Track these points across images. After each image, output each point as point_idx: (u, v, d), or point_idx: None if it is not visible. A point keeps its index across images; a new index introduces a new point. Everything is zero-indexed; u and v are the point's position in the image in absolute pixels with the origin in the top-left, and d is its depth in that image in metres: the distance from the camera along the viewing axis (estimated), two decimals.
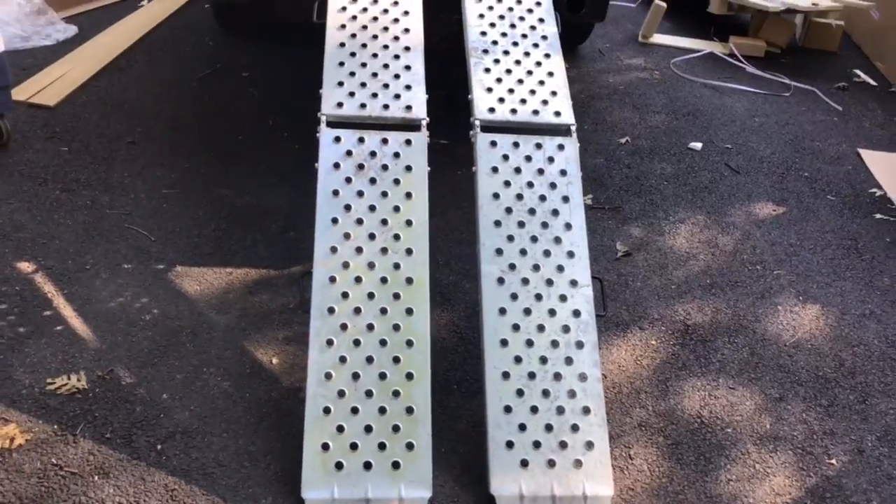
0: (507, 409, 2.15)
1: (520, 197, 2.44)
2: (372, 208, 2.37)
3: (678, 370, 2.66)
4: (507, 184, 2.45)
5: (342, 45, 2.68)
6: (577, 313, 2.30)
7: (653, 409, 2.49)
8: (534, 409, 2.16)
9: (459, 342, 2.66)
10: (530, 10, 2.89)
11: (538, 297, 2.30)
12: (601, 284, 2.41)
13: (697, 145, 4.16)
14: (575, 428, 2.15)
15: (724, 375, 2.65)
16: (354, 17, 2.76)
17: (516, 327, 2.26)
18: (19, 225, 2.97)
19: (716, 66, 5.22)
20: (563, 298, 2.31)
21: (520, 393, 2.18)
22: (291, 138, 3.76)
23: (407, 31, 2.75)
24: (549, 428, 2.15)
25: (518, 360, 2.22)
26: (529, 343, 2.24)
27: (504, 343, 2.23)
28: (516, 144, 2.52)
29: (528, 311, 2.28)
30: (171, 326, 2.60)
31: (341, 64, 2.63)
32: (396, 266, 2.30)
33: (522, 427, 2.14)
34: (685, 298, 3.01)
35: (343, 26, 2.73)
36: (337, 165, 2.42)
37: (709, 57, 5.34)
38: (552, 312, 2.29)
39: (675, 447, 2.36)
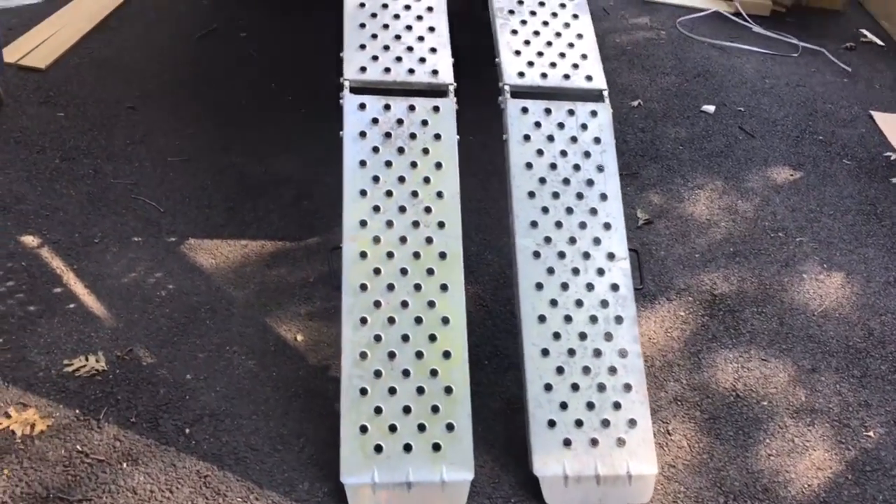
0: (548, 388, 2.10)
1: (553, 166, 2.35)
2: (401, 179, 2.27)
3: (709, 342, 2.61)
4: (540, 152, 2.36)
5: (362, 5, 2.55)
6: (615, 287, 2.23)
7: (687, 383, 2.44)
8: (574, 387, 2.10)
9: (486, 316, 2.59)
10: None
11: (575, 270, 2.23)
12: (637, 256, 2.34)
13: (710, 108, 4.07)
14: (617, 406, 2.10)
15: (756, 347, 2.61)
16: None
17: (554, 303, 2.19)
18: (20, 196, 2.84)
19: (722, 26, 5.10)
20: (600, 272, 2.24)
21: (560, 370, 2.12)
22: (296, 102, 3.61)
23: None
24: (590, 406, 2.09)
25: (557, 336, 2.15)
26: (568, 319, 2.17)
27: (542, 319, 2.17)
28: (548, 111, 2.42)
29: (565, 286, 2.21)
30: (189, 303, 2.50)
31: (362, 26, 2.50)
32: (429, 240, 2.21)
33: (564, 405, 2.08)
34: (710, 267, 2.95)
35: None
36: (363, 134, 2.31)
37: (714, 16, 5.22)
38: (590, 287, 2.22)
39: (712, 422, 2.32)
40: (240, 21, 4.27)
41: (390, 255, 2.18)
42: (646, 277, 2.83)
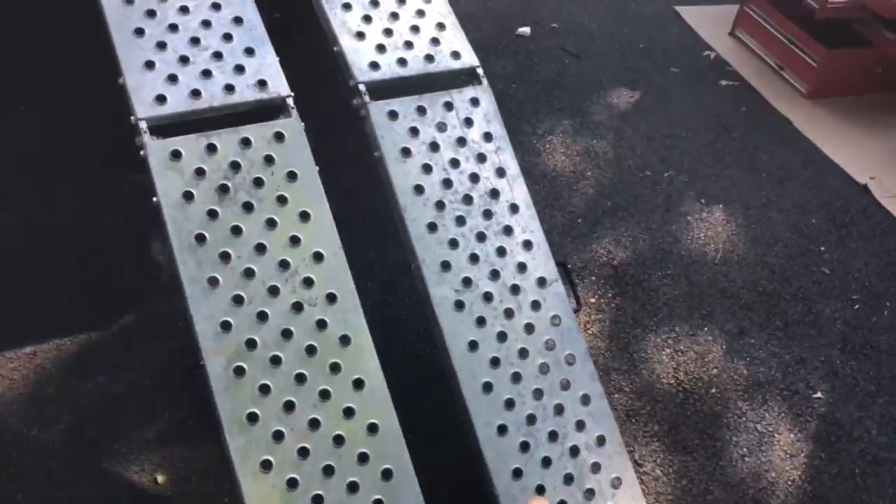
0: (517, 474, 1.67)
1: (448, 183, 1.83)
2: (260, 248, 1.64)
3: (632, 328, 2.32)
4: (428, 169, 1.82)
5: (128, 0, 1.77)
6: (555, 320, 1.82)
7: (631, 391, 2.15)
8: (546, 462, 1.70)
9: (413, 384, 2.06)
10: None
11: (508, 313, 1.78)
12: (566, 271, 1.94)
13: (526, 30, 3.68)
14: (596, 467, 1.74)
15: (678, 321, 2.36)
16: None
17: (495, 362, 1.73)
18: None
19: None
20: (535, 306, 1.81)
21: (524, 447, 1.69)
22: (51, 99, 2.69)
23: None
24: (569, 479, 1.71)
25: (510, 404, 1.71)
26: (516, 377, 1.74)
27: (488, 388, 1.71)
28: (422, 110, 1.87)
29: (502, 336, 1.76)
30: None
31: (139, 32, 1.73)
32: (321, 324, 1.63)
33: (541, 490, 1.68)
34: (598, 232, 2.64)
35: None
36: (189, 196, 1.62)
37: None
38: (529, 328, 1.79)
39: (674, 434, 2.05)
40: None
41: (275, 360, 1.58)
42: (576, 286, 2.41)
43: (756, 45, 3.69)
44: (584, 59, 3.54)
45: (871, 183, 2.97)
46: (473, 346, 1.73)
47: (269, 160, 1.70)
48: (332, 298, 1.65)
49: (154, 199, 1.60)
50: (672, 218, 2.73)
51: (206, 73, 1.73)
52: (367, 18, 1.94)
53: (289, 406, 1.56)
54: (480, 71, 1.98)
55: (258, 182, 1.68)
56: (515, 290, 1.81)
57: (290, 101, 1.77)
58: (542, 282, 1.83)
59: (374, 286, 2.25)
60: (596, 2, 3.98)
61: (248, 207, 1.65)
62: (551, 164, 2.91)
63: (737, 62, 3.66)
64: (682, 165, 2.98)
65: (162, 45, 1.73)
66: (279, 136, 1.72)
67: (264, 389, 1.55)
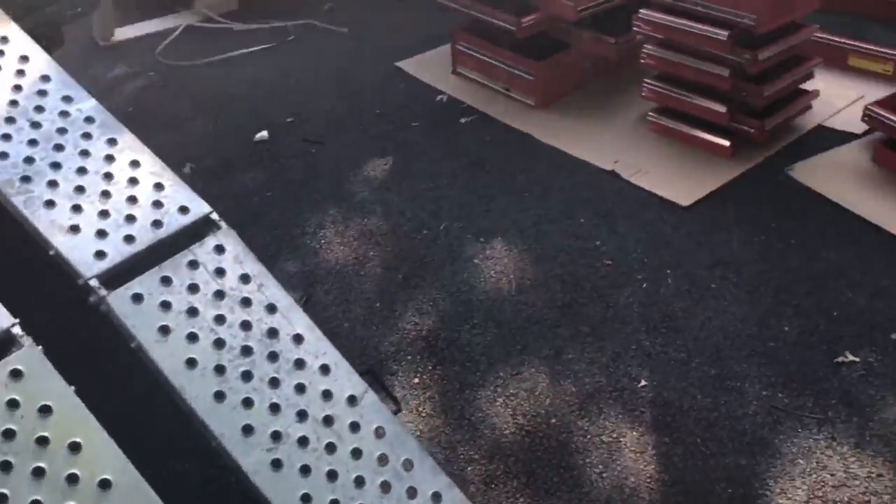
0: None
1: (220, 344, 1.74)
2: None
3: (460, 392, 2.34)
4: (193, 337, 1.72)
5: None
6: (379, 432, 1.77)
7: (482, 457, 2.15)
8: None
9: None
10: (43, 93, 2.00)
11: (330, 448, 1.71)
12: (374, 377, 1.90)
13: (264, 134, 3.66)
14: None
15: (497, 363, 2.41)
16: None
17: None
18: None
19: (203, 39, 4.63)
20: (354, 427, 1.76)
21: None
22: None
23: None
24: None
25: None
26: None
27: None
28: (167, 280, 1.77)
29: (332, 475, 1.68)
30: None
31: None
32: None
33: None
34: (398, 309, 2.65)
35: None
36: None
37: (188, 31, 4.70)
38: (357, 453, 1.73)
39: (533, 481, 2.07)
40: None
41: None
42: (389, 388, 2.36)
43: (479, 76, 3.89)
44: (328, 144, 3.56)
45: (616, 166, 3.22)
46: (306, 499, 1.64)
47: (12, 405, 1.52)
48: None
49: None
50: (460, 267, 2.79)
51: None
52: (77, 208, 1.81)
53: None
54: (215, 216, 1.91)
55: (8, 434, 1.50)
56: (329, 421, 1.74)
57: (18, 329, 1.60)
58: (352, 400, 1.79)
59: (192, 466, 2.10)
60: (320, 84, 4.03)
61: (5, 467, 1.47)
62: (332, 258, 2.89)
63: (467, 97, 3.83)
64: (452, 213, 3.06)
65: None
66: (16, 374, 1.55)
67: None
